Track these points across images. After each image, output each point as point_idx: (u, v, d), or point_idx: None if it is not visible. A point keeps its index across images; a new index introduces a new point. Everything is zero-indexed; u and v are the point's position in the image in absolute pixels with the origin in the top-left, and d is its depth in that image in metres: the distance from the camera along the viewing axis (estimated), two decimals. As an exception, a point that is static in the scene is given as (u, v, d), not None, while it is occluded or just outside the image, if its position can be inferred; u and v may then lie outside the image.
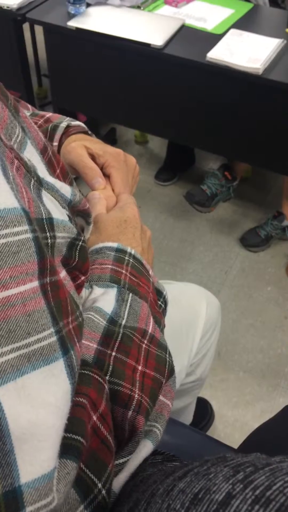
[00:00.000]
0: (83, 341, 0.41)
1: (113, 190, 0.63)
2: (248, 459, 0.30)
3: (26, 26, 1.63)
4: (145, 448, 0.41)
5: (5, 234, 0.29)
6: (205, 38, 1.43)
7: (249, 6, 1.59)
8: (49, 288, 0.32)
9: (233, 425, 1.36)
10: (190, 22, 1.50)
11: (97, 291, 0.48)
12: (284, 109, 1.39)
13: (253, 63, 1.30)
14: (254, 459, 0.30)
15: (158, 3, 1.59)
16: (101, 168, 0.64)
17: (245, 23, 1.50)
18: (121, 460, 0.38)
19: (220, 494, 0.27)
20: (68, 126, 0.68)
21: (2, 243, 0.29)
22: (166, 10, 1.56)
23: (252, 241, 1.82)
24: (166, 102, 1.56)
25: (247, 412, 1.39)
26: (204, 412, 1.34)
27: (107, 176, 0.64)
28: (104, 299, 0.46)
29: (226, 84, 1.41)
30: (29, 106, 0.72)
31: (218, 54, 1.34)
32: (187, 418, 1.08)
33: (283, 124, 1.42)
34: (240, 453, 0.33)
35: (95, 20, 1.47)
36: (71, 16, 1.50)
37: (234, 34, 1.42)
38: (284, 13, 1.59)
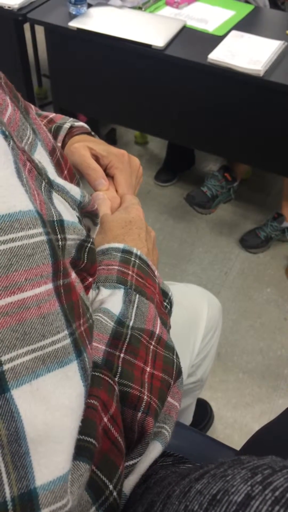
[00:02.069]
0: (92, 343, 0.41)
1: (116, 191, 0.63)
2: (264, 461, 0.30)
3: (26, 26, 1.63)
4: (155, 450, 0.41)
5: (21, 236, 0.29)
6: (206, 39, 1.43)
7: (249, 8, 1.60)
8: (62, 290, 0.32)
9: (233, 426, 1.36)
10: (191, 23, 1.50)
11: (104, 292, 0.48)
12: (284, 110, 1.39)
13: (254, 64, 1.30)
14: (271, 461, 0.30)
15: (159, 4, 1.59)
16: (105, 169, 0.64)
17: (246, 25, 1.50)
18: (131, 462, 0.39)
19: (239, 495, 0.27)
20: (71, 127, 0.68)
21: (18, 246, 0.29)
22: (167, 11, 1.56)
23: (251, 242, 1.83)
24: (166, 103, 1.56)
25: (247, 413, 1.39)
26: (203, 413, 1.34)
27: (110, 177, 0.64)
28: (111, 300, 0.46)
29: (226, 85, 1.41)
30: (32, 106, 0.72)
31: (219, 55, 1.34)
32: (187, 418, 1.08)
33: (284, 126, 1.42)
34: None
35: (96, 21, 1.47)
36: (72, 17, 1.50)
37: (235, 36, 1.43)
38: (285, 15, 1.60)
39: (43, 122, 0.69)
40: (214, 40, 1.41)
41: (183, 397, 0.97)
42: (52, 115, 0.70)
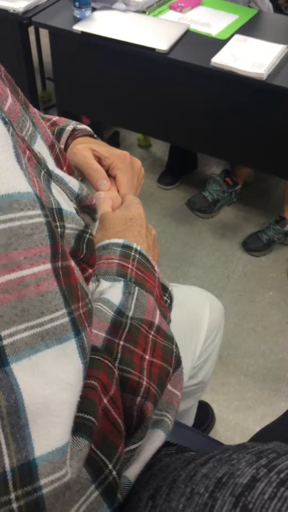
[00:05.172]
0: (93, 330, 0.41)
1: (118, 191, 0.64)
2: (269, 446, 0.31)
3: (30, 29, 1.64)
4: (159, 438, 0.42)
5: (20, 216, 0.30)
6: (209, 43, 1.44)
7: (253, 12, 1.60)
8: (61, 272, 0.33)
9: (234, 429, 1.36)
10: (195, 27, 1.51)
11: (104, 284, 0.49)
12: (286, 114, 1.39)
13: (257, 68, 1.31)
14: (275, 446, 0.30)
15: (163, 8, 1.60)
16: (107, 170, 0.64)
17: (249, 29, 1.51)
18: (132, 446, 0.39)
19: (244, 478, 0.28)
20: (74, 129, 0.68)
21: (17, 225, 0.30)
22: (171, 15, 1.57)
23: (254, 245, 1.83)
24: (170, 106, 1.57)
25: (248, 416, 1.39)
26: (205, 415, 1.34)
27: (112, 177, 0.65)
28: (111, 291, 0.47)
29: (230, 89, 1.42)
30: (35, 109, 0.73)
31: (223, 59, 1.34)
32: (189, 420, 1.08)
33: (286, 129, 1.43)
34: None
35: (101, 25, 1.48)
36: (76, 20, 1.51)
37: (238, 40, 1.43)
38: (288, 19, 1.61)
39: (46, 125, 0.69)
40: (217, 44, 1.42)
41: (185, 399, 0.97)
42: (55, 118, 0.71)
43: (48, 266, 0.31)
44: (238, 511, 0.27)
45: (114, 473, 0.34)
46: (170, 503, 0.31)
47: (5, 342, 0.28)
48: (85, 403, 0.33)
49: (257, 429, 1.35)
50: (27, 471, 0.27)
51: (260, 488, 0.27)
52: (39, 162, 0.38)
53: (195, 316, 0.85)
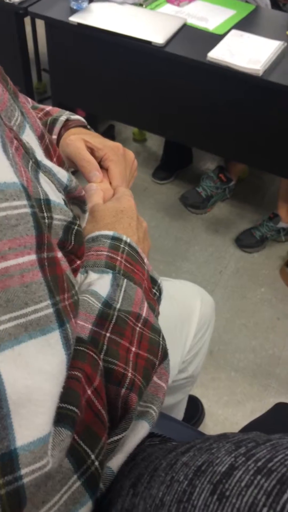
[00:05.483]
0: (78, 321, 0.41)
1: (110, 183, 0.64)
2: (248, 436, 0.31)
3: (27, 20, 1.63)
4: (143, 429, 0.42)
5: (5, 207, 0.30)
6: (206, 38, 1.43)
7: (250, 7, 1.60)
8: (46, 263, 0.33)
9: (223, 424, 1.37)
10: (192, 21, 1.50)
11: (93, 276, 0.49)
12: (282, 111, 1.39)
13: (253, 64, 1.31)
14: (255, 436, 0.31)
15: (160, 2, 1.59)
16: (100, 162, 0.64)
17: (246, 24, 1.50)
18: (116, 437, 0.39)
19: (223, 466, 0.28)
20: (67, 120, 0.68)
21: (2, 216, 0.30)
22: (168, 8, 1.56)
23: (247, 242, 1.83)
24: (165, 100, 1.57)
25: (238, 411, 1.40)
26: (194, 409, 1.34)
27: (105, 169, 0.64)
28: (99, 283, 0.47)
29: (225, 84, 1.41)
30: (29, 99, 0.73)
31: (219, 54, 1.34)
32: (178, 414, 1.09)
33: (282, 126, 1.43)
34: None
35: (97, 16, 1.47)
36: (73, 11, 1.50)
37: (235, 35, 1.43)
38: (285, 16, 1.60)
39: (39, 115, 0.69)
40: (214, 38, 1.41)
41: (175, 392, 0.97)
42: (48, 108, 0.71)
43: (32, 257, 0.31)
44: (215, 498, 0.27)
45: (96, 463, 0.34)
46: (150, 491, 0.32)
47: None
48: (69, 393, 0.33)
49: (246, 424, 1.36)
50: (8, 460, 0.27)
51: (238, 476, 0.28)
52: (27, 152, 0.38)
53: (186, 310, 0.85)
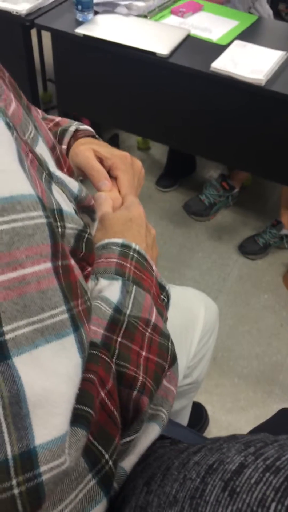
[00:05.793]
0: (91, 327, 0.43)
1: (119, 191, 0.65)
2: (257, 437, 0.32)
3: (33, 31, 1.66)
4: (154, 432, 0.44)
5: (22, 218, 0.32)
6: (209, 48, 1.46)
7: (253, 18, 1.62)
8: (61, 271, 0.34)
9: (227, 430, 1.38)
10: (196, 32, 1.53)
11: (103, 282, 0.50)
12: (285, 119, 1.41)
13: (256, 74, 1.33)
14: (263, 437, 0.32)
15: (164, 13, 1.62)
16: (108, 171, 0.66)
17: (249, 35, 1.53)
18: (128, 439, 0.41)
19: (233, 464, 0.30)
20: (76, 130, 0.70)
21: (20, 226, 0.31)
22: (172, 20, 1.59)
23: (250, 248, 1.85)
24: (169, 109, 1.59)
25: (241, 418, 1.40)
26: (199, 416, 1.35)
27: (113, 178, 0.66)
28: (109, 289, 0.48)
29: (229, 94, 1.44)
30: (39, 110, 0.75)
31: (222, 64, 1.36)
32: (183, 420, 1.09)
33: (284, 135, 1.45)
34: None
35: (102, 28, 1.49)
36: (78, 23, 1.52)
37: (238, 46, 1.45)
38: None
39: (49, 125, 0.71)
40: (217, 49, 1.44)
41: (179, 398, 0.98)
42: (58, 118, 0.72)
43: (48, 265, 0.33)
44: (226, 494, 0.28)
45: (110, 463, 0.36)
46: (164, 488, 0.33)
47: (7, 336, 0.29)
48: (83, 395, 0.34)
49: (250, 430, 1.37)
50: (27, 458, 0.28)
51: (248, 473, 0.29)
52: (40, 165, 0.40)
53: (190, 316, 0.86)
